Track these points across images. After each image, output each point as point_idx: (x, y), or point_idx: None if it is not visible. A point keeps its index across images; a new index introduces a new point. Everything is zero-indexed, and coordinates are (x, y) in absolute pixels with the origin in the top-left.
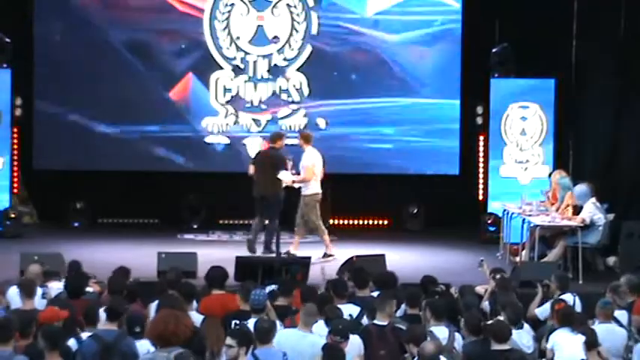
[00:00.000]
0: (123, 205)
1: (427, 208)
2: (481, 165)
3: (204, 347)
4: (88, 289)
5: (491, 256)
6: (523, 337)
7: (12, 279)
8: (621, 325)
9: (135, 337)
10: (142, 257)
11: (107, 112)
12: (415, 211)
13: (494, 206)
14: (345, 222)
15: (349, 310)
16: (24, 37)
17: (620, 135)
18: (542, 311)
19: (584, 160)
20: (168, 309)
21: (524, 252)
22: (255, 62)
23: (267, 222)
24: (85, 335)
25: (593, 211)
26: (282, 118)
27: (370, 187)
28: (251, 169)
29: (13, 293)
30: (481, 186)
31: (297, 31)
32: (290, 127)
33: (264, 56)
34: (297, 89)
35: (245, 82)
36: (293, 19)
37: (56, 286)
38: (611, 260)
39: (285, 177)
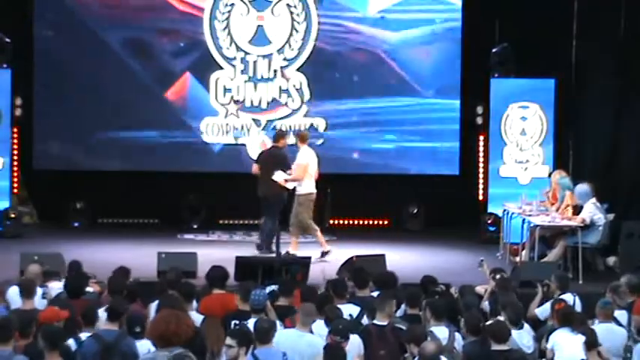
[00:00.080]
0: (123, 205)
1: (427, 208)
2: (481, 165)
3: (205, 347)
4: (88, 289)
5: (491, 256)
6: (523, 337)
7: (12, 279)
8: (621, 325)
9: (135, 337)
10: (142, 257)
11: (107, 111)
12: (415, 211)
13: (494, 204)
14: (345, 222)
15: (349, 310)
16: (24, 37)
17: (620, 135)
18: (542, 311)
19: (584, 160)
20: (168, 309)
21: (524, 252)
22: (255, 62)
23: (262, 220)
24: (83, 335)
25: (593, 211)
26: (282, 118)
27: (370, 187)
28: (255, 168)
29: (13, 293)
30: (481, 186)
31: (297, 31)
32: (290, 127)
33: (264, 56)
34: (297, 89)
35: (245, 82)
36: (293, 19)
37: (56, 286)
38: (611, 260)
39: (278, 177)
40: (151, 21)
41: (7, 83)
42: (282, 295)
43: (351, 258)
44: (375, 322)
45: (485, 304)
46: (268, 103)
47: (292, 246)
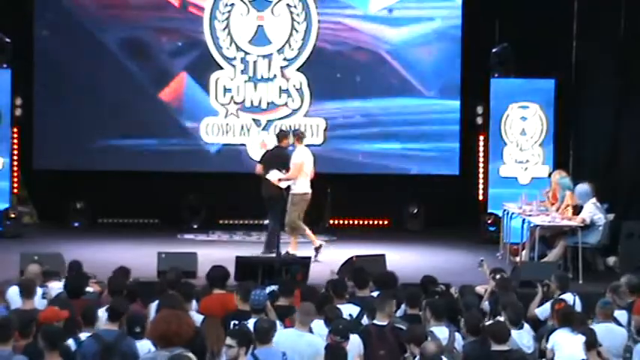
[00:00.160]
0: (123, 205)
1: (427, 208)
2: (481, 165)
3: (205, 347)
4: (88, 289)
5: (491, 256)
6: (523, 337)
7: (12, 279)
8: (621, 325)
9: (135, 337)
10: (142, 257)
11: (107, 112)
12: (415, 211)
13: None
14: (345, 222)
15: (349, 310)
16: (24, 37)
17: (620, 135)
18: (543, 311)
19: (584, 160)
20: (169, 309)
21: (524, 252)
22: (255, 62)
23: (267, 221)
24: (83, 335)
25: (593, 211)
26: (282, 118)
27: (370, 187)
28: (258, 169)
29: (13, 293)
30: (481, 186)
31: (297, 31)
32: (290, 127)
33: (264, 56)
34: (297, 89)
35: (245, 82)
36: (293, 19)
37: (56, 286)
38: (611, 260)
39: (272, 176)
40: (150, 20)
41: (7, 83)
42: (282, 295)
43: (351, 258)
44: (375, 322)
45: (486, 304)
46: (268, 103)
47: (292, 246)
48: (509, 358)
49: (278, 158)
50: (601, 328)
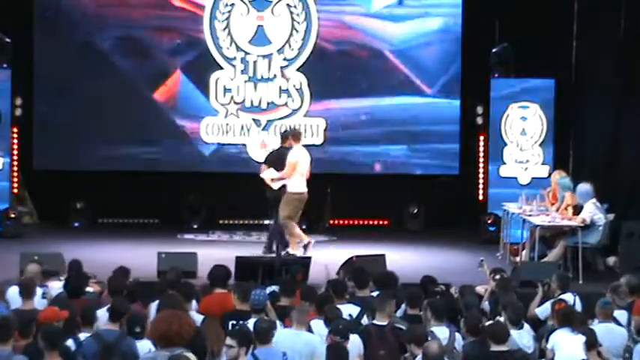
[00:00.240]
0: (123, 205)
1: (427, 208)
2: (481, 165)
3: (205, 347)
4: (88, 289)
5: (491, 256)
6: (523, 337)
7: (12, 279)
8: (621, 325)
9: (135, 337)
10: (142, 257)
11: (107, 111)
12: (415, 211)
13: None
14: (345, 222)
15: (349, 310)
16: (24, 37)
17: (620, 135)
18: (543, 311)
19: (584, 160)
20: (169, 309)
21: (524, 252)
22: (255, 62)
23: (267, 221)
24: (82, 335)
25: (593, 211)
26: (282, 118)
27: (370, 187)
28: (263, 169)
29: (13, 293)
30: (481, 186)
31: (297, 31)
32: (290, 127)
33: (264, 56)
34: (297, 89)
35: (245, 82)
36: (293, 19)
37: (56, 286)
38: (611, 260)
39: (266, 175)
40: (150, 19)
41: (7, 83)
42: (283, 295)
43: (351, 258)
44: (374, 322)
45: (486, 304)
46: (268, 104)
47: (292, 246)
48: (508, 358)
49: (282, 159)
50: (601, 328)
